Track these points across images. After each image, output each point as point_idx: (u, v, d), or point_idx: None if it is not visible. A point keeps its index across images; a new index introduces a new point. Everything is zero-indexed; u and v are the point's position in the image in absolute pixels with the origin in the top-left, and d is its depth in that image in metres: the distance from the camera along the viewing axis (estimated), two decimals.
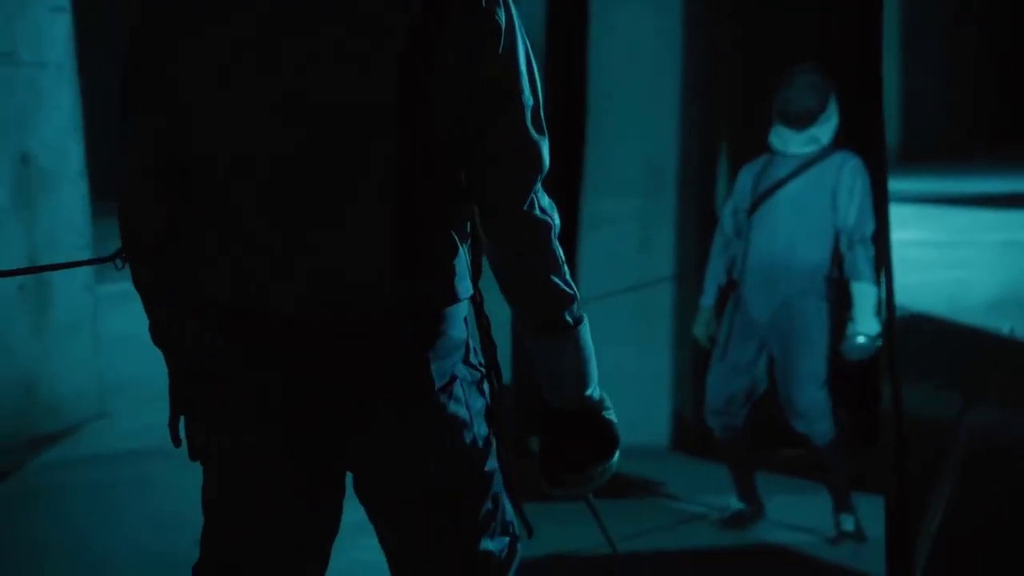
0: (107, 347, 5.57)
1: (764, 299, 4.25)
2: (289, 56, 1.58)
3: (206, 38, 1.60)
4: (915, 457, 3.74)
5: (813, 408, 4.10)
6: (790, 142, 4.27)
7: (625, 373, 5.83)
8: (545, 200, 1.70)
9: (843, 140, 4.27)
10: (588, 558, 3.91)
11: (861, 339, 4.03)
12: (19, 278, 4.94)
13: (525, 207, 1.66)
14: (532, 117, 1.65)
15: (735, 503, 4.32)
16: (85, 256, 5.19)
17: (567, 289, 1.72)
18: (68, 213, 5.12)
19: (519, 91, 1.63)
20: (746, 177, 4.39)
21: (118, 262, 1.77)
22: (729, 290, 4.39)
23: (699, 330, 4.49)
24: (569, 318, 1.72)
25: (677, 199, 5.52)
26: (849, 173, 4.17)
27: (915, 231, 9.21)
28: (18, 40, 4.91)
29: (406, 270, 1.60)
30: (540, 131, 1.67)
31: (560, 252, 1.72)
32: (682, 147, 5.51)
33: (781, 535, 4.35)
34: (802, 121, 4.24)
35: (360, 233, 1.59)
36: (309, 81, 1.58)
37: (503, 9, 1.62)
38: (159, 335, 1.74)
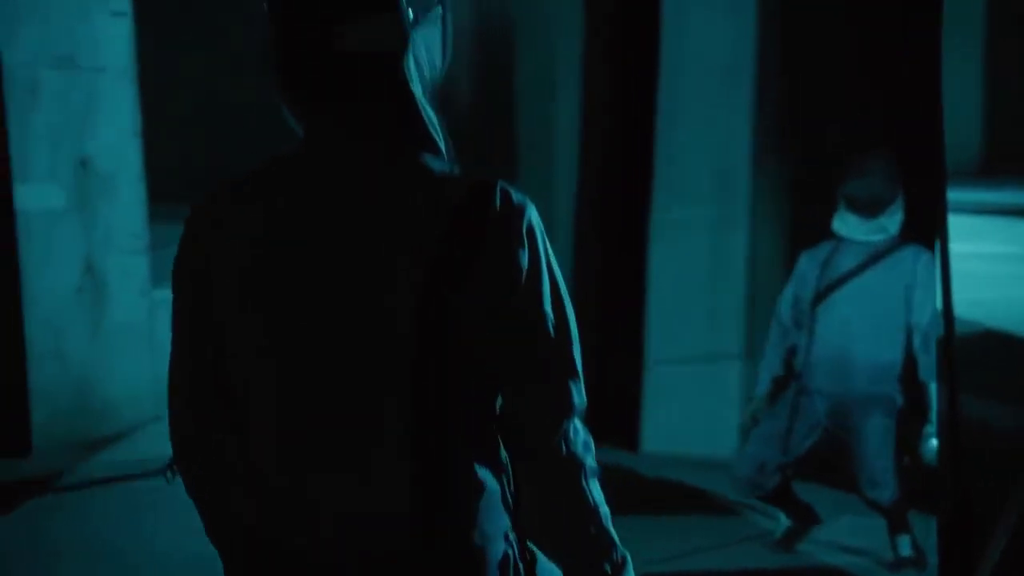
0: (163, 351, 5.57)
1: (830, 393, 4.16)
2: (310, 282, 1.54)
3: (236, 260, 1.57)
4: (980, 479, 3.60)
5: (882, 478, 4.06)
6: (857, 229, 4.16)
7: (696, 387, 5.73)
8: (580, 439, 1.58)
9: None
10: None
11: (937, 442, 3.93)
12: (76, 280, 4.98)
13: (553, 446, 1.56)
14: (561, 353, 1.58)
15: (784, 520, 4.24)
16: (142, 257, 5.22)
17: (604, 537, 1.57)
18: (126, 215, 5.14)
19: (547, 325, 1.56)
20: (809, 265, 4.27)
21: (168, 474, 1.76)
22: (787, 380, 4.28)
23: (748, 419, 4.37)
24: (608, 568, 1.58)
25: (749, 206, 5.55)
26: (924, 268, 4.07)
27: (994, 244, 8.94)
28: (79, 45, 4.94)
29: (432, 515, 1.54)
30: (570, 369, 1.58)
31: (597, 495, 1.58)
32: (754, 153, 5.48)
33: (836, 557, 4.25)
34: (872, 209, 4.14)
35: (383, 479, 1.54)
36: (330, 309, 1.54)
37: (539, 236, 1.56)
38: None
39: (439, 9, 1.62)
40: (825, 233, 4.23)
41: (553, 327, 1.56)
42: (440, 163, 1.58)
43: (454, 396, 1.53)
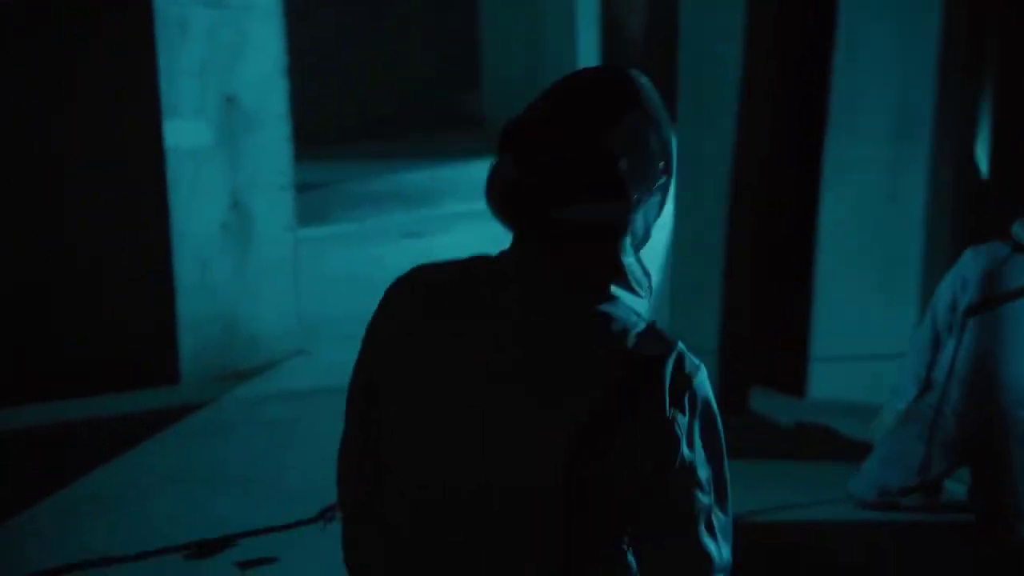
0: (306, 287, 5.70)
1: (971, 413, 3.89)
2: (468, 410, 1.56)
3: (408, 365, 1.59)
4: None
5: None
6: None
7: (870, 328, 5.50)
8: None
9: None
10: None
11: None
12: (221, 217, 5.07)
13: None
14: (706, 524, 1.57)
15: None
16: (287, 193, 5.29)
17: None
18: (271, 152, 5.21)
19: (697, 491, 1.55)
20: (974, 266, 3.91)
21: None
22: (922, 392, 4.02)
23: (879, 431, 4.12)
24: None
25: (931, 145, 5.35)
26: None
27: None
28: None
29: None
30: (716, 528, 1.58)
31: None
32: (938, 90, 5.30)
33: None
34: None
35: None
36: (484, 449, 1.55)
37: (700, 405, 1.54)
38: None
39: (664, 179, 1.60)
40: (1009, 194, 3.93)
41: (704, 491, 1.55)
42: (627, 309, 1.56)
43: (593, 553, 1.54)
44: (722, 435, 1.58)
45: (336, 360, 5.01)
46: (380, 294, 1.64)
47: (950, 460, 3.93)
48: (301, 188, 5.72)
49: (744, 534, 3.45)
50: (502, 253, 1.59)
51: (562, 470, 1.49)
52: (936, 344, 3.98)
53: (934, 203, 5.36)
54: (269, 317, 5.28)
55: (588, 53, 13.62)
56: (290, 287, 5.36)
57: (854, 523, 4.03)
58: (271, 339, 5.30)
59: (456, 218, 9.18)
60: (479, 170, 1.73)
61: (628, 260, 1.58)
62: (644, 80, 1.61)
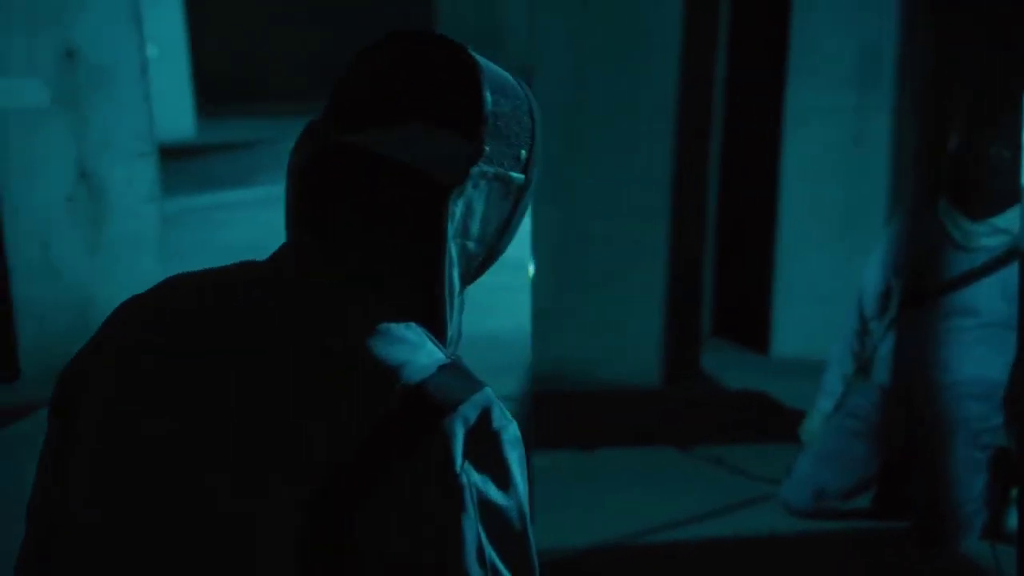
0: (176, 264, 5.09)
1: (910, 414, 3.53)
2: (170, 460, 1.17)
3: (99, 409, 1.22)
4: None
5: (966, 521, 3.50)
6: (969, 234, 3.42)
7: (835, 281, 5.28)
8: None
9: None
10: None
11: None
12: (66, 188, 4.45)
13: None
14: None
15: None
16: (148, 160, 4.65)
17: None
18: (126, 114, 4.57)
19: None
20: (906, 250, 3.55)
21: None
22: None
23: (807, 435, 3.74)
24: None
25: (895, 90, 5.17)
26: None
27: None
28: None
29: None
30: None
31: None
32: (901, 30, 5.18)
33: None
34: (987, 211, 3.39)
35: None
36: (190, 509, 1.15)
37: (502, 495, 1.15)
38: None
39: (522, 179, 1.27)
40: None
41: None
42: (420, 333, 1.18)
43: None
44: (527, 518, 1.17)
45: None
46: None
47: (889, 458, 3.43)
48: (226, 148, 5.17)
49: (641, 561, 2.88)
50: (273, 256, 1.24)
51: (300, 521, 1.09)
52: (863, 334, 3.48)
53: (899, 150, 5.19)
54: None
55: None
56: (155, 266, 4.73)
57: (788, 538, 3.49)
58: None
59: None
60: None
61: (449, 250, 1.19)
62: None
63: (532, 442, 3.69)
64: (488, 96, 1.22)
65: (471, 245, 1.24)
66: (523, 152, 1.27)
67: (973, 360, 3.46)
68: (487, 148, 1.21)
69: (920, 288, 3.55)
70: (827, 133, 5.51)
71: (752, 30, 5.72)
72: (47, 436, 1.28)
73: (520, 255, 5.58)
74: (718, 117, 5.68)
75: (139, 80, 4.59)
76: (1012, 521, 3.39)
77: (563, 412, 4.73)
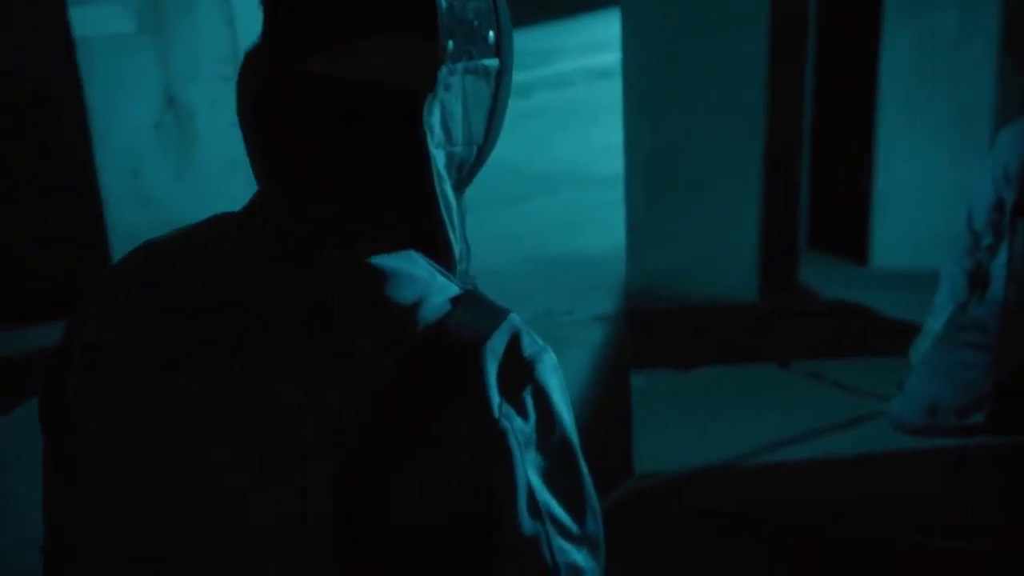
0: None
1: None
2: (177, 444, 1.08)
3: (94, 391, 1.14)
4: None
5: None
6: None
7: (939, 184, 5.15)
8: None
9: None
10: None
11: None
12: (154, 116, 4.43)
13: None
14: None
15: None
16: (232, 83, 4.61)
17: None
18: (209, 39, 4.52)
19: (545, 560, 1.05)
20: (1016, 155, 3.27)
21: None
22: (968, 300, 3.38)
23: (916, 356, 3.48)
24: None
25: None
26: None
27: None
28: None
29: None
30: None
31: None
32: None
33: None
34: None
35: None
36: (211, 487, 1.06)
37: (550, 404, 1.06)
38: None
39: (496, 63, 1.17)
40: None
41: (566, 535, 1.07)
42: (427, 266, 1.08)
43: None
44: (576, 448, 1.09)
45: None
46: None
47: (1006, 374, 3.27)
48: None
49: (747, 483, 2.81)
50: (249, 207, 1.16)
51: (331, 501, 1.00)
52: (976, 249, 3.35)
53: (1006, 47, 4.97)
54: None
55: None
56: (246, 189, 4.70)
57: (901, 455, 3.41)
58: None
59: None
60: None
61: (436, 162, 1.08)
62: None
63: (629, 361, 3.64)
64: None
65: (458, 150, 1.15)
66: (491, 33, 1.16)
67: None
68: (450, 44, 1.11)
69: None
70: (929, 30, 5.30)
71: None
72: (42, 423, 1.20)
73: (611, 170, 5.50)
74: (812, 13, 5.49)
75: (222, 4, 4.53)
76: None
77: (659, 329, 4.67)
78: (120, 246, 4.47)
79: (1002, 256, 3.46)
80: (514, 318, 1.07)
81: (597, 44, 7.89)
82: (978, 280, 3.54)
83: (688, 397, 4.14)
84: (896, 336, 4.25)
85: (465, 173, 1.18)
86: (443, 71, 1.10)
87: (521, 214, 5.05)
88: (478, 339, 1.03)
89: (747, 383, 4.26)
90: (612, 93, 7.24)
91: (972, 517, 3.23)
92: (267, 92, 1.13)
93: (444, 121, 1.12)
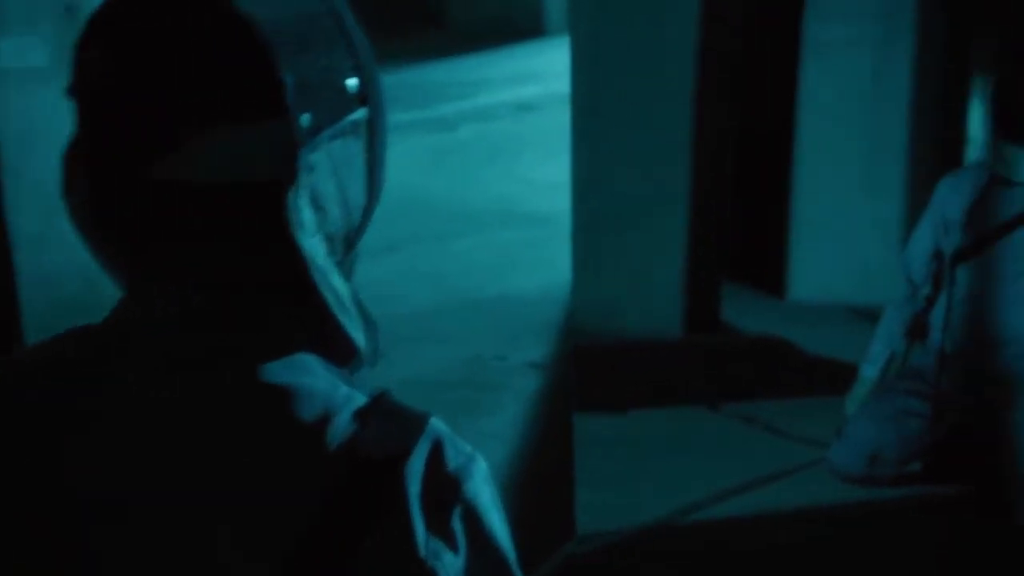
0: None
1: (972, 369, 3.39)
2: None
3: None
4: None
5: None
6: (1015, 165, 3.29)
7: (855, 220, 5.20)
8: None
9: None
10: None
11: None
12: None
13: None
14: None
15: None
16: None
17: None
18: None
19: None
20: (954, 205, 3.38)
21: None
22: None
23: (852, 405, 3.48)
24: None
25: (916, 22, 5.06)
26: None
27: None
28: None
29: None
30: None
31: None
32: None
33: None
34: None
35: None
36: None
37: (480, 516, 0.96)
38: None
39: (363, 112, 1.03)
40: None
41: None
42: (326, 375, 0.96)
43: None
44: (513, 567, 0.97)
45: None
46: None
47: (947, 422, 3.29)
48: None
49: (691, 540, 2.74)
50: (113, 318, 1.03)
51: None
52: (914, 298, 3.37)
53: (921, 86, 5.11)
54: None
55: None
56: None
57: (843, 505, 3.40)
58: None
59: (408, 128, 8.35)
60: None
61: (314, 256, 0.95)
62: None
63: (572, 408, 3.58)
64: (279, 53, 0.96)
65: (337, 226, 1.03)
66: (350, 81, 1.02)
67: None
68: (304, 119, 0.97)
69: (970, 240, 3.42)
70: (846, 67, 5.38)
71: None
72: None
73: (539, 207, 5.44)
74: (736, 53, 5.53)
75: None
76: None
77: (598, 371, 4.62)
78: (30, 290, 4.27)
79: (941, 306, 3.47)
80: (434, 425, 0.97)
81: (520, 76, 7.87)
82: (916, 330, 3.55)
83: (628, 443, 4.10)
84: (812, 371, 4.28)
85: (354, 242, 1.07)
86: (303, 153, 0.97)
87: (448, 252, 4.97)
88: (395, 458, 0.92)
89: (682, 427, 4.23)
90: (537, 127, 7.25)
91: (914, 566, 3.24)
92: (102, 199, 1.02)
93: (316, 203, 0.99)
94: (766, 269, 5.71)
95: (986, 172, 3.39)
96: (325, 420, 0.93)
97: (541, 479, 3.34)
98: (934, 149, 5.19)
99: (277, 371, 0.96)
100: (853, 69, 5.29)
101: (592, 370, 4.55)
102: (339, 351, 1.00)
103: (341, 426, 0.94)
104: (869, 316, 4.29)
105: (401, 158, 6.45)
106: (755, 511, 3.52)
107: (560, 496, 3.37)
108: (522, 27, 9.76)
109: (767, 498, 3.60)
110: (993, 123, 3.30)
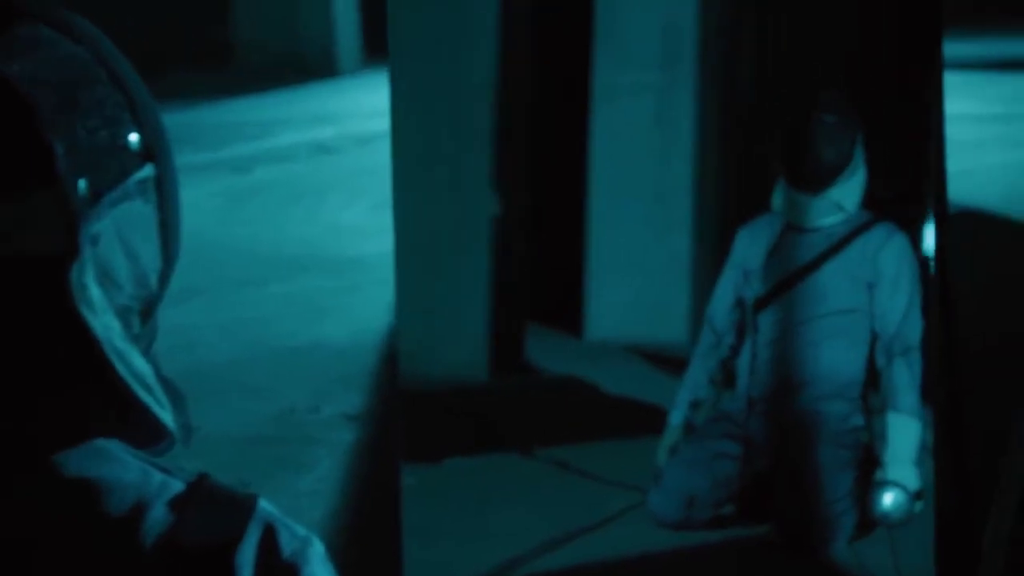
0: None
1: (773, 413, 3.44)
2: None
3: None
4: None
5: (834, 523, 3.39)
6: (805, 212, 3.35)
7: (641, 260, 5.31)
8: None
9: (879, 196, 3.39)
10: None
11: (893, 496, 3.24)
12: None
13: None
14: None
15: None
16: None
17: None
18: None
19: None
20: (753, 255, 3.44)
21: None
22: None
23: (663, 453, 3.58)
24: None
25: (697, 69, 5.14)
26: (892, 257, 3.27)
27: (960, 103, 8.06)
28: None
29: None
30: None
31: None
32: (702, 11, 5.16)
33: None
34: (817, 183, 3.33)
35: None
36: None
37: None
38: None
39: (149, 168, 0.92)
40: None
41: None
42: (133, 463, 0.89)
43: None
44: None
45: None
46: None
47: (755, 465, 3.50)
48: None
49: None
50: None
51: None
52: (717, 348, 3.47)
53: (702, 128, 5.30)
54: None
55: None
56: None
57: (664, 552, 3.44)
58: None
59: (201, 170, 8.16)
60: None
61: (108, 337, 0.87)
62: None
63: (398, 458, 3.51)
64: (42, 114, 0.88)
65: (131, 297, 0.94)
66: (131, 137, 0.93)
67: (827, 356, 3.45)
68: (81, 186, 0.88)
69: (770, 287, 3.55)
70: (633, 112, 5.56)
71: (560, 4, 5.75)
72: None
73: (344, 253, 5.37)
74: (528, 99, 5.66)
75: None
76: (881, 505, 3.37)
77: (414, 418, 4.58)
78: None
79: (746, 352, 3.58)
80: (263, 509, 0.89)
81: (316, 117, 7.76)
82: (725, 378, 3.64)
83: (448, 494, 4.06)
84: (615, 411, 4.35)
85: (152, 310, 0.97)
86: (84, 227, 0.88)
87: (251, 299, 4.84)
88: (222, 548, 0.86)
89: (499, 476, 4.21)
90: (337, 169, 7.18)
91: None
92: None
93: (105, 277, 0.91)
94: (565, 308, 5.82)
95: (780, 220, 3.50)
96: (138, 513, 0.86)
97: (364, 536, 3.28)
98: (719, 187, 5.45)
99: (76, 463, 0.88)
100: (639, 114, 5.49)
101: (413, 418, 4.50)
102: (145, 434, 0.92)
103: (157, 518, 0.86)
104: (661, 357, 4.40)
105: (196, 202, 6.29)
106: (581, 560, 3.53)
107: (386, 554, 3.31)
108: (313, 67, 9.67)
109: (590, 547, 3.61)
110: (783, 172, 3.41)
